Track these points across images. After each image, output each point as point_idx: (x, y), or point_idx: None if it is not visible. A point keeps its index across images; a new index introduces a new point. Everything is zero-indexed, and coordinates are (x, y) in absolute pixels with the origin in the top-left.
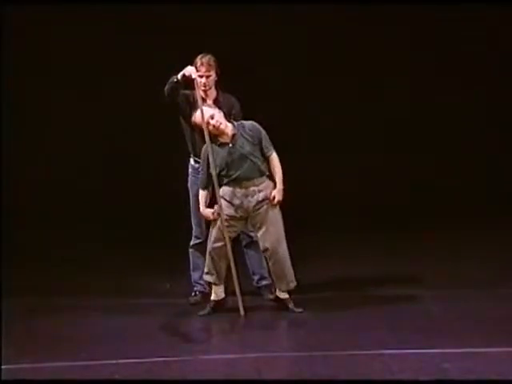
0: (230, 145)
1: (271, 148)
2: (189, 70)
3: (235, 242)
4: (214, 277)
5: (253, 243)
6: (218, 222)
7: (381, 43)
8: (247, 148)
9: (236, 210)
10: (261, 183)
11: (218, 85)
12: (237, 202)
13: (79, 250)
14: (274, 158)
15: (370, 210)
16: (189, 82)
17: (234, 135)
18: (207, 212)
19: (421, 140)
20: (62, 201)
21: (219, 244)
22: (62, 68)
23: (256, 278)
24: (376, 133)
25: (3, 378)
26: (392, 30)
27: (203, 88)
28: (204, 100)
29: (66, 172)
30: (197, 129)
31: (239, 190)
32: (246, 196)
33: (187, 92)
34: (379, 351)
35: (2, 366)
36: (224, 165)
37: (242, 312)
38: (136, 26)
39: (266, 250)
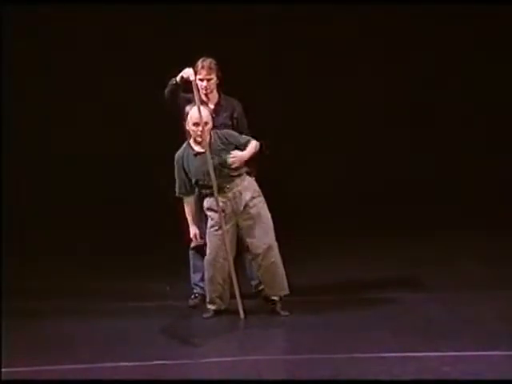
0: (207, 154)
1: (248, 139)
2: (187, 72)
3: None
4: (217, 304)
5: None
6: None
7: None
8: (224, 156)
9: (225, 217)
10: (242, 181)
11: (220, 88)
12: (226, 209)
13: (79, 253)
14: (252, 143)
15: (369, 211)
16: (187, 84)
17: (210, 145)
18: (193, 231)
19: (420, 140)
20: (62, 202)
21: (219, 263)
22: (62, 68)
23: (254, 283)
24: (375, 133)
25: (3, 380)
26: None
27: (204, 91)
28: (205, 103)
29: (66, 172)
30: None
31: (224, 196)
32: (234, 198)
33: (189, 95)
34: (380, 354)
35: (3, 369)
36: (201, 175)
37: (241, 315)
38: (136, 25)
39: (256, 256)
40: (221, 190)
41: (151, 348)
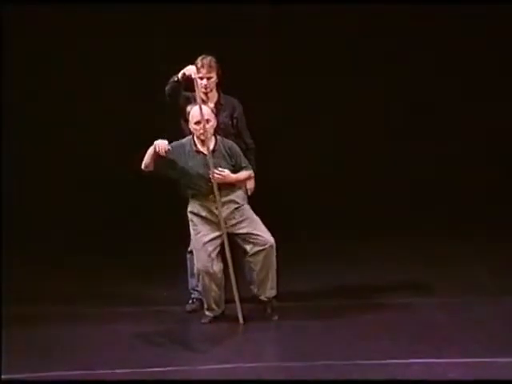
0: (207, 157)
1: (246, 166)
2: (189, 70)
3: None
4: (214, 311)
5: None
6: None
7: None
8: (222, 165)
9: (213, 223)
10: (233, 192)
11: (220, 87)
12: (211, 217)
13: (77, 258)
14: (247, 172)
15: (369, 213)
16: (189, 81)
17: (214, 150)
18: (161, 147)
19: (421, 138)
20: (61, 205)
21: (210, 270)
22: (62, 68)
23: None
24: (375, 133)
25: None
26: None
27: (204, 90)
28: (205, 102)
29: (66, 176)
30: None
31: (210, 204)
32: (222, 206)
33: (188, 94)
34: (382, 361)
35: (2, 376)
36: (194, 174)
37: (241, 320)
38: (136, 25)
39: (258, 253)
40: (207, 197)
41: (149, 354)
